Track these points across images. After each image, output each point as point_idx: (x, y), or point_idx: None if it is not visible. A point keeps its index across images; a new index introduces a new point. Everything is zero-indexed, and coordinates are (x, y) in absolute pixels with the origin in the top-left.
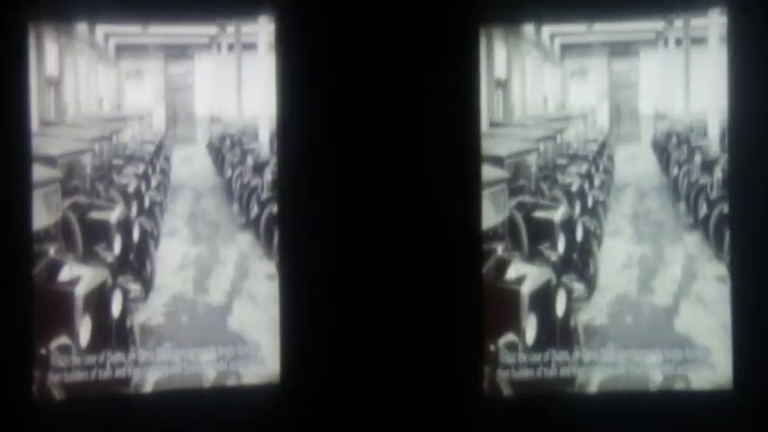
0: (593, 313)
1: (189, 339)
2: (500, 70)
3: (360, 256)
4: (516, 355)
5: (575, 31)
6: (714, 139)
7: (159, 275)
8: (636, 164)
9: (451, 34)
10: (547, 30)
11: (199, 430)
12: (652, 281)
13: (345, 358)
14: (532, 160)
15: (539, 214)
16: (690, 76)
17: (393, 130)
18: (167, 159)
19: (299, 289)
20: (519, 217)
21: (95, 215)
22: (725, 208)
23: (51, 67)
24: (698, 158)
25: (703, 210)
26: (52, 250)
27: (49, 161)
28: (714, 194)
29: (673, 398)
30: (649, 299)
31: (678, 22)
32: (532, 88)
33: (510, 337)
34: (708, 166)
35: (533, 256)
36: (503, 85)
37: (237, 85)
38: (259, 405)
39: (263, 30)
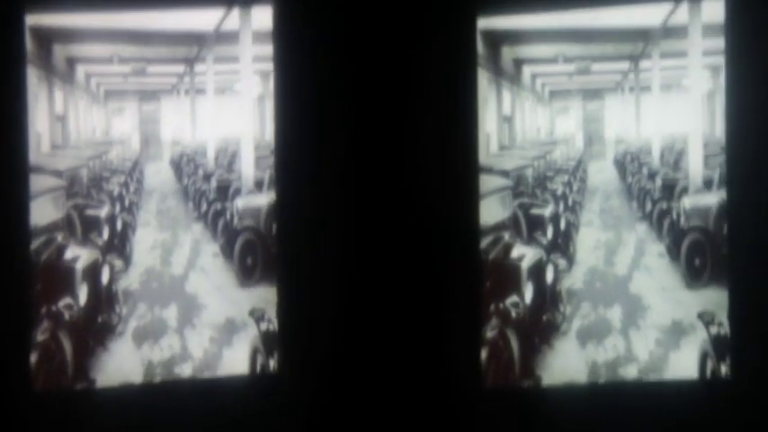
0: (572, 281)
1: (157, 299)
2: (507, 109)
3: (359, 249)
4: (518, 310)
5: (560, 81)
6: (656, 157)
7: (136, 254)
8: (602, 175)
9: (448, 27)
10: (539, 80)
11: (195, 419)
12: (614, 257)
13: (344, 351)
14: (529, 173)
15: (534, 211)
16: (639, 113)
17: (393, 127)
18: (141, 172)
19: (297, 279)
20: (520, 213)
21: (90, 212)
22: (663, 205)
23: (59, 107)
24: (645, 171)
25: (648, 207)
26: (59, 237)
27: (58, 174)
28: (656, 196)
29: (671, 388)
30: (612, 270)
31: (631, 75)
32: (529, 121)
33: (514, 298)
34: (651, 176)
35: (530, 240)
36: (508, 119)
37: (192, 118)
38: (258, 395)
39: (210, 78)
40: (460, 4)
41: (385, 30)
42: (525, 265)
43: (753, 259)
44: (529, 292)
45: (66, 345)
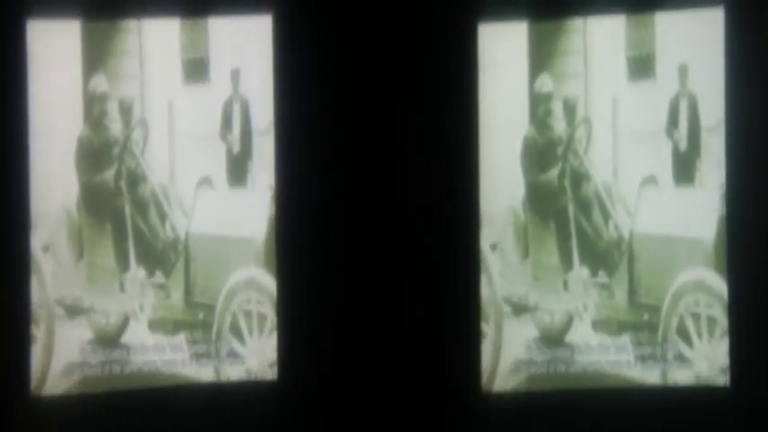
0: None
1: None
2: None
3: (356, 252)
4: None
5: None
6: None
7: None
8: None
9: (450, 31)
10: None
11: (196, 426)
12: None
13: (342, 353)
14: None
15: None
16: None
17: (391, 127)
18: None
19: (295, 282)
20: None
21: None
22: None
23: None
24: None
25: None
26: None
27: None
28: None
29: (669, 394)
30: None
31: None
32: None
33: None
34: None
35: None
36: None
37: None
38: (257, 400)
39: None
40: (462, 11)
41: (386, 37)
42: None
43: (752, 263)
44: None
45: None
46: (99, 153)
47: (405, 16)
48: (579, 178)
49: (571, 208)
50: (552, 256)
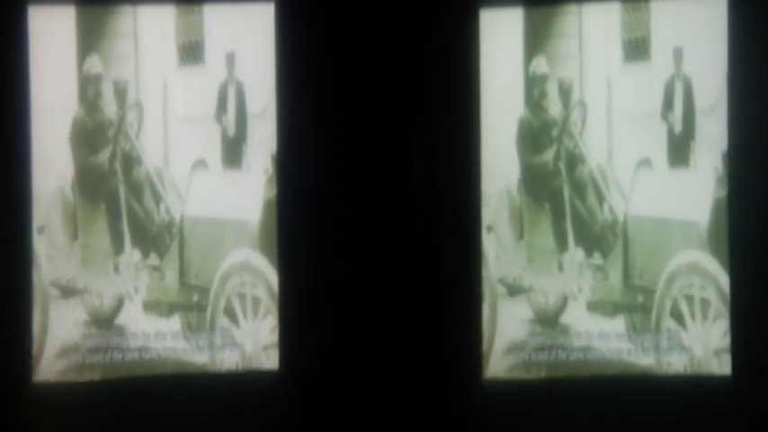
0: None
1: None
2: None
3: (356, 237)
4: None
5: None
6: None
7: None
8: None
9: (450, 16)
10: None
11: (198, 416)
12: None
13: (343, 346)
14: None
15: None
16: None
17: (392, 121)
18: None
19: (297, 274)
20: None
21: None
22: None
23: None
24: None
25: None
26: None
27: None
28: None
29: (670, 384)
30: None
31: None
32: None
33: None
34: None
35: None
36: None
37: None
38: (260, 390)
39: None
40: None
41: (386, 23)
42: None
43: (753, 254)
44: None
45: None
46: (94, 135)
47: (406, 2)
48: (574, 160)
49: (566, 190)
50: (547, 238)
